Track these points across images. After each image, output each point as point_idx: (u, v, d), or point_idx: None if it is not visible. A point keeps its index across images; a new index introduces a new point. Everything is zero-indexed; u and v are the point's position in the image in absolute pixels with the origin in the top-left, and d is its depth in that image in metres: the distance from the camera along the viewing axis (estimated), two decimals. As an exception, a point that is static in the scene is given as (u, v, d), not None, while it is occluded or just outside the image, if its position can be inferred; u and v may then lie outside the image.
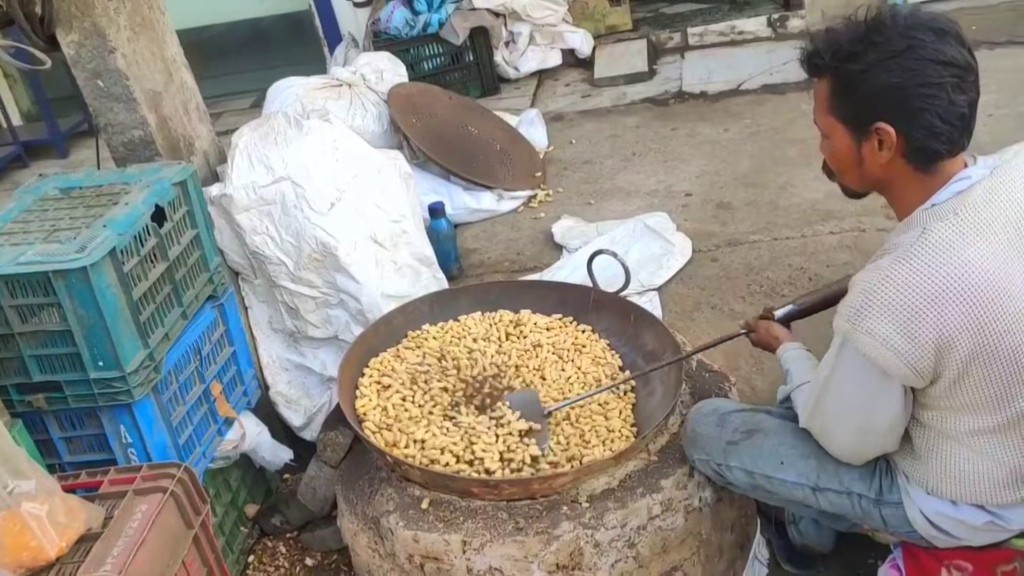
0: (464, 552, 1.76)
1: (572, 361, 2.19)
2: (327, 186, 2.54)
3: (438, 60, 4.99)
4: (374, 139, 3.47)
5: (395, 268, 2.67)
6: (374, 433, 2.02)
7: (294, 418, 2.63)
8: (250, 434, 2.36)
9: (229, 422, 2.33)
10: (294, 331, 2.65)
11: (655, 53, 5.17)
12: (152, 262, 2.01)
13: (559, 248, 3.29)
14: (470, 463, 1.90)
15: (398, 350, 2.30)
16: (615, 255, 2.26)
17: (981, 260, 1.23)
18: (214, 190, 2.51)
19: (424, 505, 1.85)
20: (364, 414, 2.10)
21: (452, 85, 4.76)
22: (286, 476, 2.67)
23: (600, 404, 2.03)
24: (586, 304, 2.35)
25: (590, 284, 2.32)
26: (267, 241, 2.52)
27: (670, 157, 3.80)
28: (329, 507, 2.33)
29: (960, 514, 1.42)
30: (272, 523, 2.47)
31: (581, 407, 2.01)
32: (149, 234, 1.99)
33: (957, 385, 1.29)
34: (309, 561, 2.39)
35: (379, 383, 2.19)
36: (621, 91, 4.73)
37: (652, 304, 2.93)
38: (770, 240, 2.99)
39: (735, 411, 1.74)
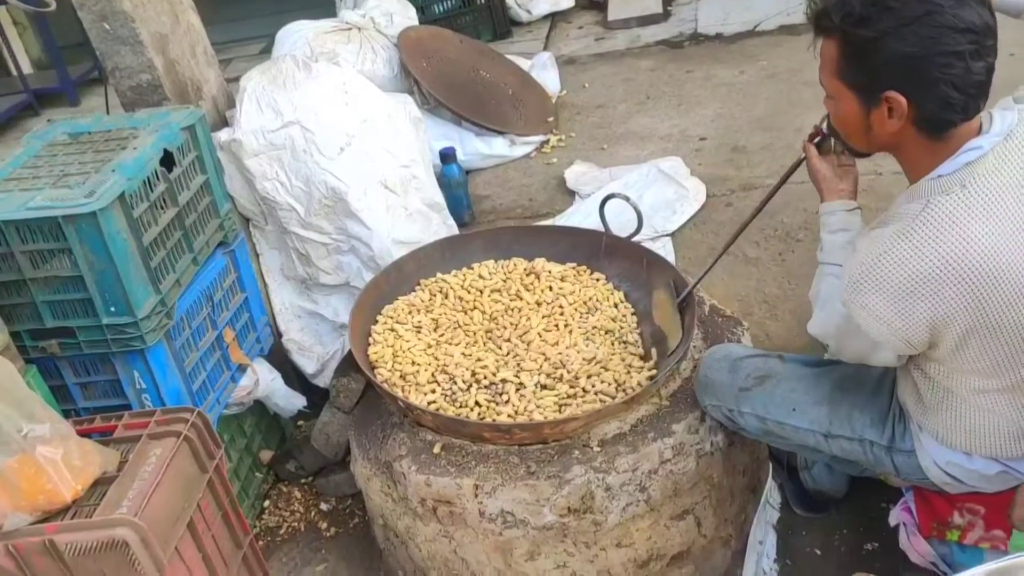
0: (476, 496, 1.74)
1: (588, 317, 2.11)
2: (336, 130, 2.48)
3: (449, 3, 4.83)
4: (384, 83, 3.37)
5: (406, 214, 2.61)
6: (387, 379, 1.99)
7: (307, 365, 2.61)
8: (263, 380, 2.35)
9: (242, 369, 2.31)
10: (306, 278, 2.62)
11: (671, -6, 5.09)
12: (162, 208, 1.98)
13: (572, 194, 3.21)
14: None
15: (411, 298, 2.25)
16: (627, 199, 2.18)
17: (985, 238, 1.17)
18: (223, 135, 2.46)
19: (436, 450, 1.83)
20: (376, 360, 2.07)
21: (463, 28, 4.60)
22: (300, 423, 2.67)
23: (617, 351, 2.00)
24: (598, 250, 2.28)
25: (602, 229, 2.27)
26: (277, 187, 2.47)
27: (684, 101, 3.70)
28: (343, 453, 2.32)
29: (973, 464, 1.40)
30: (287, 469, 2.48)
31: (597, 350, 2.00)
32: (158, 179, 1.96)
33: (957, 353, 1.27)
34: (324, 506, 2.40)
35: (393, 331, 2.15)
36: (635, 33, 4.60)
37: (665, 250, 2.84)
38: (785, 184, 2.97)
39: (747, 357, 1.71)
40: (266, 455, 2.48)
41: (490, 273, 2.31)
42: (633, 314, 2.13)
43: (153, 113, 2.17)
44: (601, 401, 1.85)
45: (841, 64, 1.25)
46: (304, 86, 2.49)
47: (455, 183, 3.14)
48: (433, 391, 1.94)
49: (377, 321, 2.21)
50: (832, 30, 1.24)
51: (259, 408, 2.48)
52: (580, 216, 3.03)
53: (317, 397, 2.52)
